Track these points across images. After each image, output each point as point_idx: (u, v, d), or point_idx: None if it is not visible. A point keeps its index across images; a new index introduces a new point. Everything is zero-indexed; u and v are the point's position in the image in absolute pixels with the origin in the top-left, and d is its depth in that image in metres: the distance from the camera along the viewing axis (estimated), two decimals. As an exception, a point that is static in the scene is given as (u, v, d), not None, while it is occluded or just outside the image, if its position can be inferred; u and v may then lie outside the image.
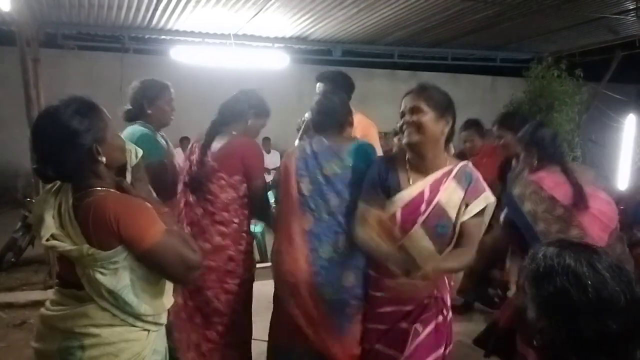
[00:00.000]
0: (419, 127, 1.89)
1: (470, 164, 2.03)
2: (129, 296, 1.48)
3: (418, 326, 1.96)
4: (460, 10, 6.37)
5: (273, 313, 2.39)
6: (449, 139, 2.00)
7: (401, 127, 1.96)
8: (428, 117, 1.89)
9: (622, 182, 8.26)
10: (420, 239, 1.92)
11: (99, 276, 1.44)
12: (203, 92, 7.51)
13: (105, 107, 1.54)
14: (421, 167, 1.97)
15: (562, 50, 8.60)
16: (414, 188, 1.95)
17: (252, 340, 2.63)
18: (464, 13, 6.50)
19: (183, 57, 7.44)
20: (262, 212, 2.52)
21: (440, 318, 1.99)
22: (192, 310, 2.43)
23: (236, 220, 2.42)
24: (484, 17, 6.65)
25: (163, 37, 7.63)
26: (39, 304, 2.07)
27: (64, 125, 1.43)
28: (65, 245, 1.44)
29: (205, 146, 2.43)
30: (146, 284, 1.52)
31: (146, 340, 1.56)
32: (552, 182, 2.36)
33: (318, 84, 3.05)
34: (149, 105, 2.77)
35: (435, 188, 1.93)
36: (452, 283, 2.25)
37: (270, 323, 2.40)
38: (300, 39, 7.92)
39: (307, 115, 2.81)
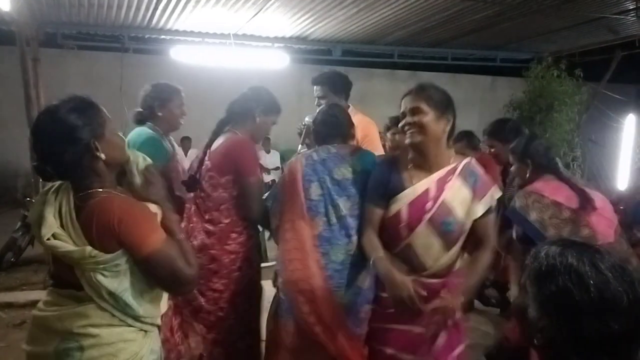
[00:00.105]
0: (420, 127, 1.91)
1: (473, 161, 2.04)
2: (130, 298, 1.47)
3: (431, 331, 1.95)
4: (460, 10, 6.38)
5: (270, 334, 2.31)
6: (450, 137, 2.01)
7: (402, 127, 1.97)
8: (429, 117, 1.90)
9: (622, 182, 8.28)
10: (427, 237, 1.93)
11: (100, 278, 1.43)
12: (203, 92, 7.51)
13: (105, 106, 1.54)
14: (424, 166, 1.99)
15: (562, 50, 8.61)
16: (419, 186, 1.96)
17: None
18: (464, 13, 6.50)
19: (183, 57, 7.44)
20: (254, 212, 2.43)
21: (453, 321, 1.96)
22: (181, 303, 2.42)
23: (226, 221, 2.39)
24: (484, 17, 6.65)
25: (163, 36, 7.64)
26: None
27: (62, 121, 1.44)
28: (66, 246, 1.43)
29: (207, 145, 2.45)
30: (146, 286, 1.52)
31: (143, 340, 1.56)
32: (551, 188, 2.42)
33: (315, 87, 3.02)
34: (159, 107, 2.79)
35: (440, 186, 1.94)
36: None
37: (266, 346, 2.33)
38: (300, 39, 7.93)
39: (307, 119, 2.81)
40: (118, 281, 1.45)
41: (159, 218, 1.56)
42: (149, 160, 1.70)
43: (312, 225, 2.15)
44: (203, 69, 8.24)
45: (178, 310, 2.44)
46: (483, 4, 6.07)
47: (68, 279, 1.48)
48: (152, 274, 1.49)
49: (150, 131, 2.75)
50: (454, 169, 1.96)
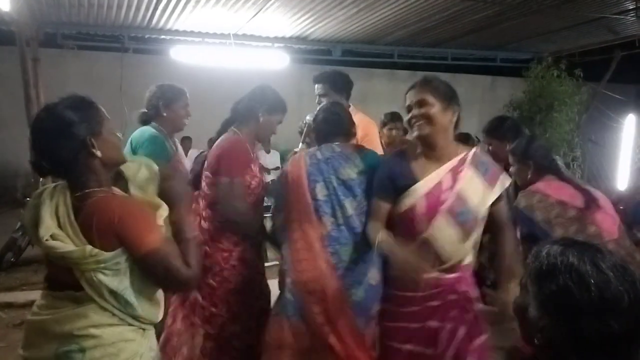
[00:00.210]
0: (428, 119, 1.92)
1: (479, 149, 2.07)
2: (131, 297, 1.47)
3: (449, 325, 1.95)
4: (460, 10, 6.37)
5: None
6: (456, 128, 2.02)
7: (409, 121, 1.98)
8: (436, 108, 1.92)
9: (622, 182, 8.28)
10: (445, 228, 1.92)
11: (101, 277, 1.43)
12: (203, 92, 7.48)
13: (105, 106, 1.55)
14: (433, 158, 1.99)
15: (561, 50, 8.61)
16: (431, 178, 1.96)
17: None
18: (463, 13, 6.50)
19: (183, 57, 7.43)
20: (222, 213, 2.37)
21: (470, 315, 1.97)
22: (184, 295, 2.45)
23: (220, 219, 2.40)
24: (484, 17, 6.65)
25: (163, 36, 7.63)
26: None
27: (60, 117, 1.46)
28: (66, 246, 1.42)
29: (210, 144, 2.49)
30: (144, 286, 1.52)
31: (143, 339, 1.56)
32: (555, 188, 2.42)
33: (316, 85, 3.03)
34: (164, 107, 2.82)
35: (454, 176, 1.95)
36: None
37: (266, 346, 2.29)
38: (300, 39, 7.92)
39: (308, 117, 2.81)
40: (119, 279, 1.45)
41: (162, 218, 1.56)
42: (154, 165, 1.69)
43: (319, 226, 2.14)
44: (203, 69, 8.24)
45: (182, 302, 2.47)
46: (483, 4, 6.07)
47: (65, 281, 1.47)
48: (149, 272, 1.50)
49: (154, 130, 2.76)
50: (464, 159, 1.98)
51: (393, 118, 4.19)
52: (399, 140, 4.52)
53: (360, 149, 2.31)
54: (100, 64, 8.92)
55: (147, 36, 7.68)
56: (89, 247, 1.41)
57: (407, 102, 1.99)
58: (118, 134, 1.60)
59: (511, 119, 3.61)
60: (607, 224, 2.34)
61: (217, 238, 2.41)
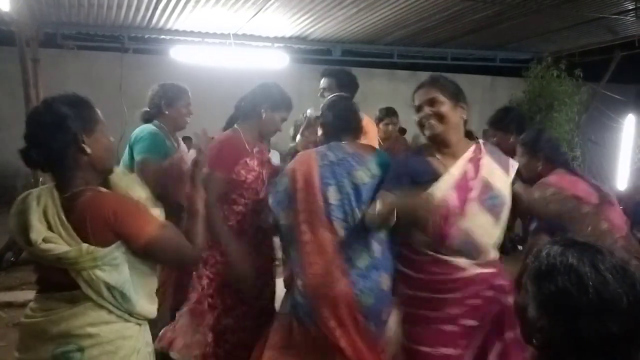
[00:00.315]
0: (440, 117, 1.94)
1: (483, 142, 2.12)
2: (130, 291, 1.48)
3: (488, 323, 1.95)
4: (460, 10, 6.37)
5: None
6: (465, 124, 2.05)
7: (420, 121, 1.98)
8: (446, 106, 1.95)
9: (622, 182, 8.28)
10: (478, 215, 1.93)
11: (99, 274, 1.43)
12: (203, 92, 7.43)
13: (105, 106, 1.56)
14: (449, 154, 2.01)
15: (561, 50, 8.60)
16: (454, 169, 1.97)
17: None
18: (463, 13, 6.50)
19: (183, 57, 7.43)
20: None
21: (508, 309, 1.92)
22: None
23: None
24: (484, 17, 6.65)
25: (163, 36, 7.63)
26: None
27: (53, 110, 1.48)
28: (61, 247, 1.41)
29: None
30: (142, 278, 1.54)
31: (139, 334, 1.57)
32: (568, 182, 2.38)
33: (323, 79, 3.04)
34: (166, 106, 2.84)
35: (474, 165, 1.98)
36: None
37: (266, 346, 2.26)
38: (299, 39, 7.92)
39: (309, 111, 2.79)
40: (117, 273, 1.46)
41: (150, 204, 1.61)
42: (138, 179, 1.74)
43: (332, 230, 2.09)
44: (203, 69, 8.23)
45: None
46: (483, 4, 6.07)
47: (59, 282, 1.46)
48: (156, 259, 1.57)
49: (154, 127, 2.77)
50: (479, 148, 2.02)
51: (388, 113, 4.19)
52: (394, 135, 4.53)
53: (372, 151, 2.25)
54: (100, 64, 8.91)
55: (147, 36, 7.67)
56: (84, 246, 1.41)
57: (417, 102, 1.99)
58: (112, 139, 1.61)
59: (516, 109, 3.56)
60: (618, 220, 2.34)
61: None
